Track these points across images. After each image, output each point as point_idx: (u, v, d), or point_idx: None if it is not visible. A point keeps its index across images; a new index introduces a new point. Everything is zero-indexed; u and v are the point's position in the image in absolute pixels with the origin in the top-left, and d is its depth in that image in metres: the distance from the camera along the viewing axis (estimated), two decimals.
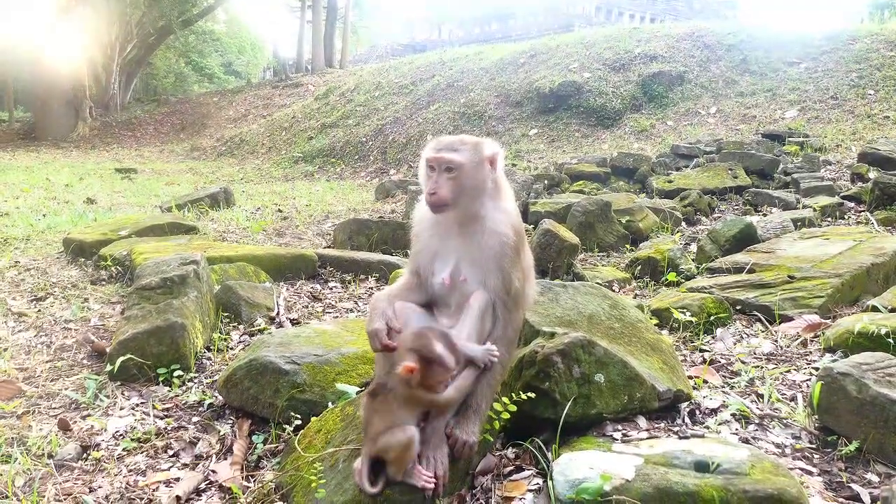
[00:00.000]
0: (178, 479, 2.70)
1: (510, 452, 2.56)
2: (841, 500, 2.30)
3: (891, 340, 3.31)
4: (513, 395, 2.35)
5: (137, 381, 3.56)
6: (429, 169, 2.39)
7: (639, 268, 5.74)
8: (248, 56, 45.99)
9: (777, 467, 2.03)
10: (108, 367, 3.58)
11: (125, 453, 2.92)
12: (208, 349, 3.98)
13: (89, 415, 3.24)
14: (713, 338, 4.10)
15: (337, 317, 4.77)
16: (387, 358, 2.31)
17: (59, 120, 25.86)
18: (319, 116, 22.65)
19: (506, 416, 2.31)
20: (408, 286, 2.48)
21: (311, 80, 30.33)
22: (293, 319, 4.62)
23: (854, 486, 2.39)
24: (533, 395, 2.38)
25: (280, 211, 9.79)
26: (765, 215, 7.67)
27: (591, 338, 2.48)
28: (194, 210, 8.87)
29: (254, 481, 2.67)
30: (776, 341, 3.98)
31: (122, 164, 19.19)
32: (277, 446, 2.90)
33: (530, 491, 2.15)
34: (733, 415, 2.91)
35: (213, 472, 2.74)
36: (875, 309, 4.02)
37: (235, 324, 4.44)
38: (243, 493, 2.57)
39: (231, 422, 3.17)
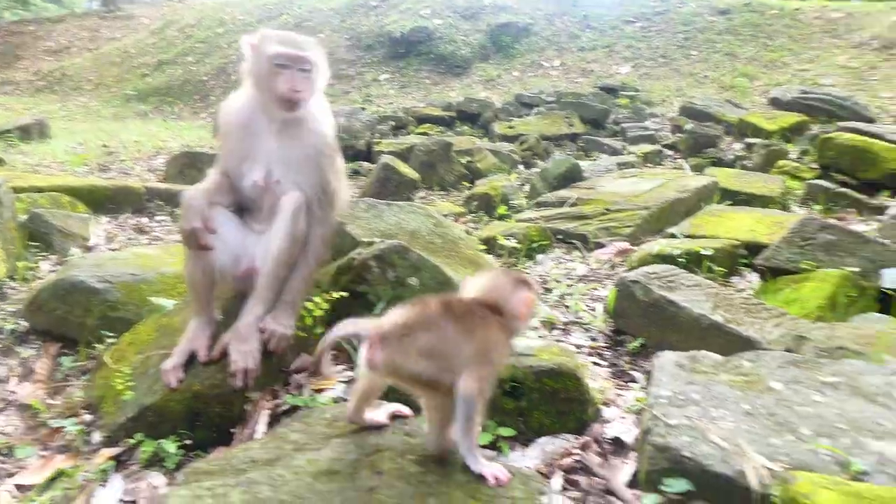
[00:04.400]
0: None
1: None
2: (620, 383, 2.63)
3: (682, 260, 3.78)
4: (326, 294, 2.41)
5: None
6: (277, 66, 2.25)
7: (475, 203, 5.99)
8: None
9: (563, 351, 2.27)
10: None
11: None
12: (12, 279, 3.66)
13: None
14: (535, 263, 4.42)
15: None
16: (199, 257, 2.25)
17: None
18: (155, 52, 20.91)
19: (318, 312, 2.35)
20: (218, 186, 2.37)
21: (145, 13, 27.70)
22: (114, 250, 4.36)
23: (633, 372, 2.75)
24: (346, 294, 2.44)
25: (105, 146, 9.03)
26: (595, 160, 8.25)
27: (406, 245, 2.58)
28: (1, 142, 7.96)
29: (59, 397, 2.55)
30: (589, 265, 4.37)
31: None
32: (87, 365, 2.77)
33: (341, 382, 2.25)
34: (542, 322, 3.19)
35: (13, 392, 2.57)
36: (673, 236, 4.52)
37: (46, 254, 4.11)
38: (48, 410, 2.44)
39: (37, 346, 2.97)
